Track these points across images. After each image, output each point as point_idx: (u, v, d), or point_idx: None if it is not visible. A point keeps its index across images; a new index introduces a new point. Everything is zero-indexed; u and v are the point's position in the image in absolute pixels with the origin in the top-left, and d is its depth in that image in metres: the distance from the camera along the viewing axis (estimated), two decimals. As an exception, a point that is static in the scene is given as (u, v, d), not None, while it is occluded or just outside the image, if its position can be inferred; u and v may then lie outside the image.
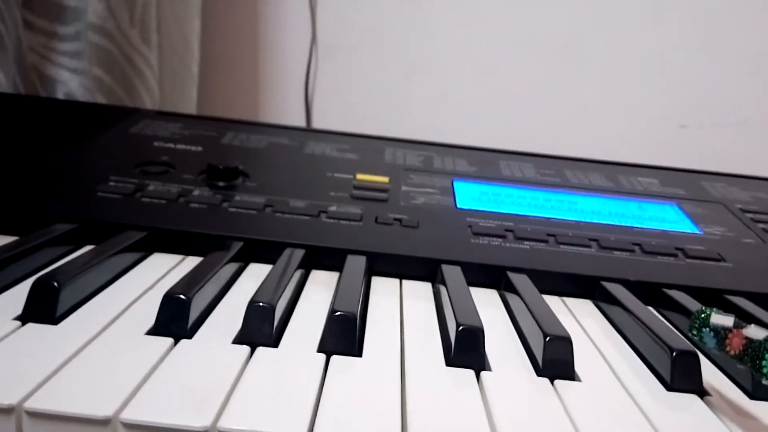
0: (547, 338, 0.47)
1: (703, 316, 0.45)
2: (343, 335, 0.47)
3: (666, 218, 0.79)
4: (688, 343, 0.49)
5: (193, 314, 0.48)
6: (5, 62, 0.99)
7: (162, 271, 0.59)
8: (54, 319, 0.47)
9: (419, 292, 0.62)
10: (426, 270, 0.65)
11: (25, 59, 1.07)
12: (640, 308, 0.58)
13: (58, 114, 0.92)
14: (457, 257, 0.65)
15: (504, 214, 0.75)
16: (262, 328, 0.47)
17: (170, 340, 0.45)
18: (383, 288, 0.62)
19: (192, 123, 0.92)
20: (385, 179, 0.80)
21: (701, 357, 0.49)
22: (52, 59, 1.13)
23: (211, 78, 1.54)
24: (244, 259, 0.64)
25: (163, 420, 0.35)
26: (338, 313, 0.47)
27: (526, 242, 0.69)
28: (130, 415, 0.36)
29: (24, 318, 0.46)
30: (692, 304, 0.61)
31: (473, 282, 0.63)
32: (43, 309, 0.47)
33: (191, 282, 0.50)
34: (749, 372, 0.43)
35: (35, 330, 0.45)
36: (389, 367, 0.45)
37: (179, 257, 0.64)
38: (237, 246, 0.62)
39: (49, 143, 0.80)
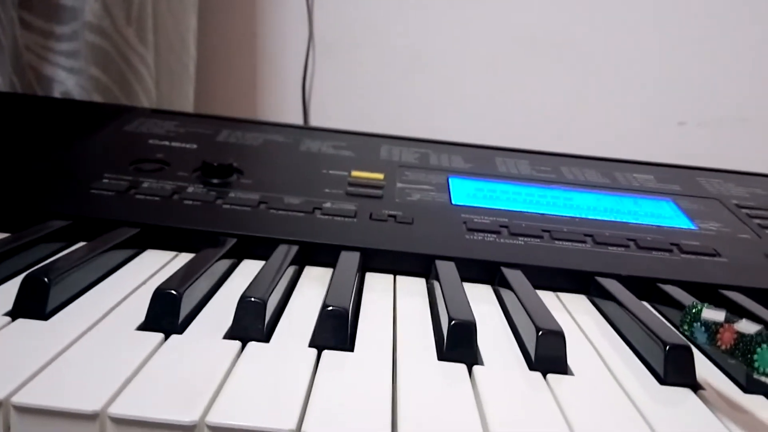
0: (540, 332, 0.47)
1: (694, 311, 0.45)
2: (335, 330, 0.47)
3: (661, 214, 0.78)
4: (682, 337, 0.49)
5: (184, 310, 0.48)
6: (2, 62, 0.99)
7: (154, 268, 0.59)
8: (44, 314, 0.47)
9: (413, 288, 0.62)
10: (420, 266, 0.65)
11: (22, 59, 1.07)
12: (634, 303, 0.57)
13: (54, 112, 0.92)
14: (451, 253, 0.65)
15: (499, 210, 0.74)
16: (253, 323, 0.46)
17: (161, 336, 0.45)
18: (377, 284, 0.62)
19: (187, 121, 0.92)
20: (380, 176, 0.80)
21: (695, 351, 0.48)
22: (49, 59, 1.13)
23: (208, 76, 1.54)
24: (238, 256, 0.64)
25: (151, 414, 0.35)
26: (330, 307, 0.47)
27: (520, 238, 0.69)
28: (118, 409, 0.35)
29: (14, 313, 0.46)
30: (687, 299, 0.61)
31: (468, 278, 0.63)
32: (33, 304, 0.47)
33: (183, 278, 0.50)
34: (742, 366, 0.43)
35: (25, 325, 0.45)
36: (381, 361, 0.45)
37: (172, 254, 0.64)
38: (230, 242, 0.62)
39: (44, 141, 0.80)
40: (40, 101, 1.01)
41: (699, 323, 0.44)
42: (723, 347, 0.42)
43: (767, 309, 0.61)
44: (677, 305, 0.60)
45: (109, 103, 1.16)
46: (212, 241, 0.62)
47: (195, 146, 0.83)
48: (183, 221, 0.65)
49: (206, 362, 0.42)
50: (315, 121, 1.57)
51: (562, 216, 0.75)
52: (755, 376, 0.39)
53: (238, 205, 0.69)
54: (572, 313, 0.60)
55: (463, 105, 1.55)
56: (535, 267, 0.65)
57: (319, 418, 0.37)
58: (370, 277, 0.64)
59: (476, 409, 0.40)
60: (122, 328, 0.46)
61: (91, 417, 0.35)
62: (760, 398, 0.47)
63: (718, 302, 0.63)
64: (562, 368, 0.47)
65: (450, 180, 0.81)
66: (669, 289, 0.63)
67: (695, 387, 0.47)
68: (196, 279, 0.51)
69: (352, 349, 0.47)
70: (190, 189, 0.71)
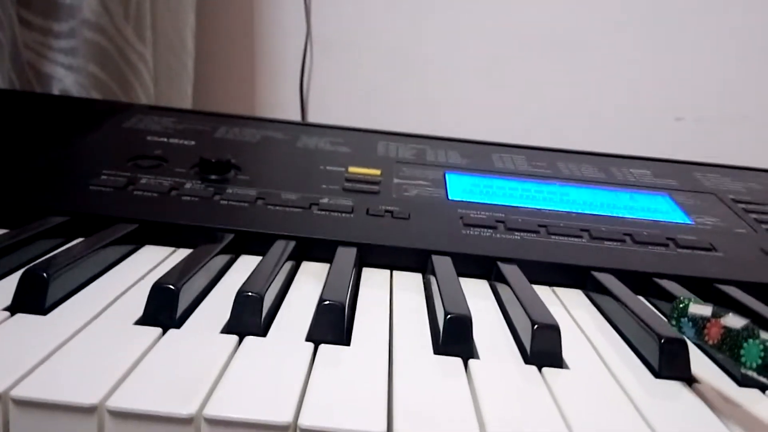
0: (535, 326, 0.48)
1: (681, 306, 0.45)
2: (332, 324, 0.47)
3: (657, 209, 0.79)
4: (677, 331, 0.49)
5: (182, 304, 0.48)
6: (1, 59, 0.99)
7: (152, 263, 0.59)
8: (43, 309, 0.47)
9: (409, 282, 0.62)
10: (417, 261, 0.65)
11: (21, 56, 1.07)
12: (629, 297, 0.58)
13: (52, 109, 0.92)
14: (447, 248, 0.65)
15: (495, 205, 0.75)
16: (250, 318, 0.47)
17: (159, 330, 0.45)
18: (374, 279, 0.62)
19: (185, 117, 0.92)
20: (377, 172, 0.80)
21: (690, 344, 0.49)
22: (47, 56, 1.13)
23: (206, 73, 1.54)
24: (236, 251, 0.64)
25: (149, 407, 0.36)
26: (327, 302, 0.47)
27: (516, 233, 0.69)
28: (116, 402, 0.36)
29: (13, 308, 0.47)
30: (682, 293, 0.61)
31: (464, 273, 0.63)
32: (32, 299, 0.47)
33: (181, 272, 0.50)
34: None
35: (24, 320, 0.45)
36: (377, 355, 0.45)
37: (170, 249, 0.64)
38: (228, 238, 0.62)
39: (42, 138, 0.80)
40: (39, 98, 1.01)
41: (686, 318, 0.44)
42: (710, 342, 0.42)
43: (763, 303, 0.61)
44: (673, 300, 0.60)
45: (108, 99, 1.17)
46: (210, 236, 0.62)
47: (193, 143, 0.83)
48: (181, 217, 0.65)
49: (204, 356, 0.42)
50: (313, 118, 1.57)
51: (558, 211, 0.75)
52: (742, 370, 0.39)
53: (235, 200, 0.69)
54: (568, 308, 0.60)
55: (460, 101, 1.55)
56: (532, 262, 0.65)
57: (316, 411, 0.37)
58: (366, 272, 0.64)
59: (472, 403, 0.40)
60: (120, 322, 0.46)
61: (89, 410, 0.35)
62: (755, 392, 0.47)
63: (714, 297, 0.64)
64: (558, 362, 0.47)
65: (447, 175, 0.82)
66: (665, 283, 0.63)
67: (690, 380, 0.47)
68: (194, 274, 0.51)
69: (348, 344, 0.47)
70: (188, 185, 0.71)
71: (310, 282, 0.59)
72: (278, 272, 0.54)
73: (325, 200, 0.71)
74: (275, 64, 1.57)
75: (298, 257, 0.64)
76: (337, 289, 0.50)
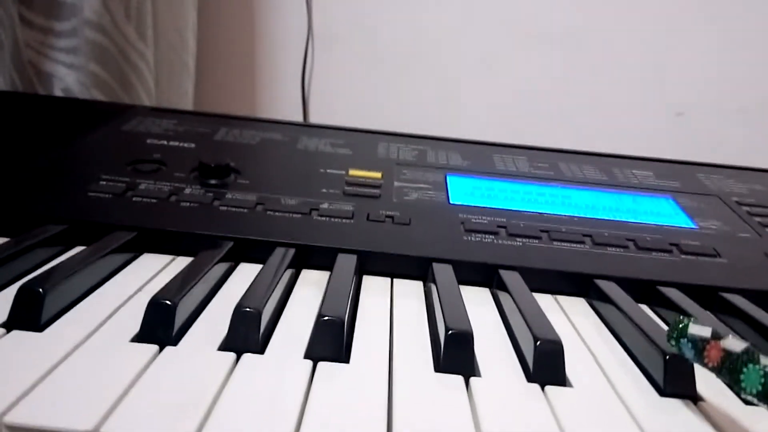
0: (538, 343, 0.47)
1: (680, 326, 0.44)
2: (330, 341, 0.46)
3: (661, 212, 0.78)
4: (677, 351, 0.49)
5: (179, 320, 0.47)
6: (2, 59, 0.99)
7: (151, 273, 0.59)
8: (39, 326, 0.46)
9: (410, 290, 0.62)
10: (418, 268, 0.65)
11: (22, 55, 1.07)
12: (633, 308, 0.57)
13: (52, 111, 0.92)
14: (448, 255, 0.65)
15: (497, 209, 0.74)
16: (248, 335, 0.46)
17: (155, 347, 0.44)
18: (374, 287, 0.62)
19: (186, 119, 0.92)
20: (378, 174, 0.80)
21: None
22: (48, 55, 1.13)
23: (208, 72, 1.54)
24: (235, 259, 0.64)
25: (145, 432, 0.35)
26: (325, 318, 0.47)
27: (518, 239, 0.69)
28: (111, 428, 0.35)
29: (9, 325, 0.46)
30: (686, 303, 0.61)
31: (465, 280, 0.63)
32: (28, 316, 0.46)
33: (178, 286, 0.50)
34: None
35: (20, 337, 0.44)
36: (377, 373, 0.45)
37: (169, 258, 0.63)
38: (227, 245, 0.62)
39: (41, 141, 0.80)
40: (38, 100, 1.01)
41: (686, 339, 0.44)
42: (710, 365, 0.41)
43: (766, 312, 0.61)
44: (677, 309, 0.60)
45: (108, 101, 1.16)
46: (209, 244, 0.62)
47: (193, 145, 0.83)
48: (180, 224, 0.65)
49: (200, 376, 0.41)
50: (314, 115, 1.57)
51: (560, 215, 0.74)
52: (742, 395, 0.39)
53: (235, 206, 0.69)
54: (570, 318, 0.60)
55: (463, 97, 1.55)
56: (534, 269, 0.64)
57: (314, 431, 0.37)
58: (367, 279, 0.63)
59: (473, 425, 0.40)
60: (117, 339, 0.46)
61: (84, 436, 0.35)
62: (761, 410, 0.47)
63: (719, 306, 0.63)
64: (561, 379, 0.47)
65: (448, 178, 0.81)
66: (668, 292, 0.63)
67: (695, 398, 0.46)
68: (192, 287, 0.50)
69: (348, 360, 0.46)
70: (187, 190, 0.71)
71: (309, 292, 0.59)
72: (277, 283, 0.53)
73: (325, 205, 0.71)
74: (277, 61, 1.57)
75: (298, 264, 0.63)
76: (335, 304, 0.49)
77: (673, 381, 0.47)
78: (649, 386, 0.48)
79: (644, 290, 0.65)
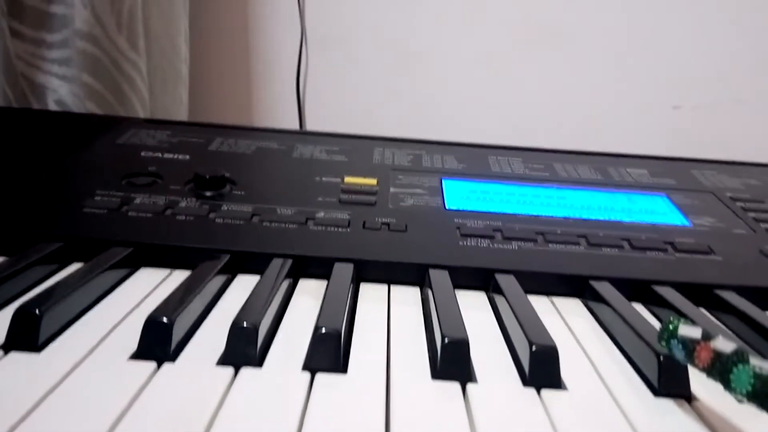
0: (533, 347, 0.47)
1: (671, 327, 0.45)
2: (328, 353, 0.47)
3: (655, 210, 0.79)
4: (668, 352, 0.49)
5: (176, 336, 0.48)
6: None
7: (148, 289, 0.59)
8: (36, 347, 0.46)
9: (407, 297, 0.62)
10: (414, 275, 0.65)
11: (15, 68, 1.07)
12: (627, 309, 0.57)
13: (45, 126, 0.92)
14: (445, 261, 0.65)
15: (492, 213, 0.74)
16: (245, 350, 0.46)
17: (153, 364, 0.45)
18: (371, 294, 0.62)
19: (180, 130, 0.92)
20: (374, 181, 0.80)
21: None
22: (41, 67, 1.13)
23: (202, 79, 1.54)
24: (233, 270, 0.64)
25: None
26: (322, 330, 0.47)
27: (514, 242, 0.69)
28: (111, 448, 0.36)
29: (6, 347, 0.46)
30: (681, 302, 0.61)
31: (462, 285, 0.63)
32: (25, 338, 0.46)
33: (175, 303, 0.50)
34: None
35: (17, 359, 0.45)
36: (374, 382, 0.45)
37: (166, 271, 0.64)
38: (224, 259, 0.62)
39: (35, 157, 0.80)
40: (31, 114, 1.01)
41: (676, 340, 0.44)
42: (701, 366, 0.42)
43: (761, 308, 0.61)
44: (671, 308, 0.60)
45: (102, 114, 1.17)
46: (206, 257, 0.62)
47: (187, 157, 0.83)
48: (176, 238, 0.65)
49: (199, 392, 0.42)
50: (310, 119, 1.57)
51: (555, 217, 0.75)
52: (732, 395, 0.39)
53: (231, 218, 0.69)
54: (566, 319, 0.60)
55: (458, 98, 1.55)
56: (529, 272, 0.65)
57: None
58: (364, 287, 0.64)
59: (470, 431, 0.40)
60: (115, 357, 0.46)
61: (84, 458, 0.35)
62: (754, 410, 0.47)
63: (713, 303, 0.64)
64: (557, 383, 0.47)
65: (443, 182, 0.82)
66: (663, 291, 0.63)
67: (689, 398, 0.47)
68: (189, 302, 0.51)
69: (345, 370, 0.47)
70: (183, 203, 0.71)
71: (307, 302, 0.59)
72: (274, 296, 0.54)
73: (321, 214, 0.71)
74: (270, 66, 1.57)
75: (295, 274, 0.64)
76: (332, 315, 0.50)
77: (668, 381, 0.47)
78: (644, 387, 0.48)
79: (639, 289, 0.65)
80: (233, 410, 0.40)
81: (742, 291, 0.65)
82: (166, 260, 0.64)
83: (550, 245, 0.69)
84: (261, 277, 0.59)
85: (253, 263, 0.64)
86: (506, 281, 0.62)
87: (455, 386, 0.46)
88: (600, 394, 0.47)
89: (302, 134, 0.96)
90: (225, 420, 0.39)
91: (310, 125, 1.57)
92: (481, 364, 0.50)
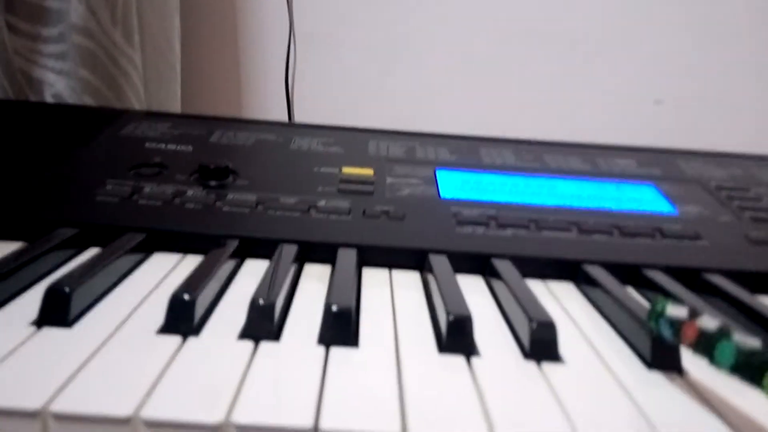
0: (532, 323, 0.50)
1: (658, 308, 0.48)
2: (340, 328, 0.49)
3: (643, 199, 0.81)
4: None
5: (198, 312, 0.50)
6: (-7, 66, 1.01)
7: (164, 271, 0.62)
8: (68, 322, 0.49)
9: (408, 281, 0.65)
10: (414, 260, 0.68)
11: (12, 62, 1.09)
12: (619, 289, 0.60)
13: (49, 118, 0.94)
14: (443, 247, 0.68)
15: (486, 202, 0.77)
16: (264, 325, 0.49)
17: (179, 338, 0.48)
18: (374, 279, 0.65)
19: (180, 122, 0.94)
20: (370, 171, 0.82)
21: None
22: (37, 61, 1.15)
23: (192, 74, 1.55)
24: (241, 256, 0.66)
25: (179, 416, 0.38)
26: (334, 306, 0.50)
27: (508, 229, 0.72)
28: (148, 413, 0.38)
29: (39, 322, 0.49)
30: (670, 284, 0.64)
31: (460, 269, 0.66)
32: (57, 314, 0.49)
33: (195, 282, 0.53)
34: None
35: (51, 334, 0.47)
36: (385, 356, 0.48)
37: (179, 256, 0.66)
38: (233, 244, 0.65)
39: (44, 148, 0.82)
40: (35, 107, 1.03)
41: (664, 319, 0.47)
42: (686, 343, 0.45)
43: (749, 291, 0.64)
44: (661, 291, 0.63)
45: (101, 106, 1.18)
46: (215, 243, 0.65)
47: (190, 148, 0.85)
48: (186, 225, 0.68)
49: (224, 363, 0.44)
50: (299, 114, 1.59)
51: (546, 206, 0.77)
52: (717, 369, 0.42)
53: (236, 206, 0.71)
54: (561, 301, 0.63)
55: (445, 93, 1.57)
56: (524, 257, 0.68)
57: (333, 412, 0.40)
58: (366, 272, 0.66)
59: (478, 400, 0.43)
60: (143, 332, 0.49)
61: (124, 421, 0.38)
62: (739, 382, 0.50)
63: (701, 286, 0.66)
64: (555, 356, 0.50)
65: (437, 173, 0.84)
66: (653, 274, 0.66)
67: (681, 370, 0.50)
68: (207, 282, 0.53)
69: (356, 345, 0.50)
70: (190, 192, 0.73)
71: (314, 284, 0.62)
72: (285, 277, 0.56)
73: (322, 203, 0.73)
74: (260, 61, 1.59)
75: (300, 259, 0.66)
76: (342, 293, 0.53)
77: (659, 356, 0.50)
78: (638, 361, 0.51)
79: (630, 274, 0.68)
80: (257, 380, 0.43)
81: (729, 274, 0.68)
82: (178, 246, 0.67)
83: (543, 232, 0.72)
84: (271, 260, 0.61)
85: (261, 249, 0.66)
86: (503, 265, 0.65)
87: (461, 359, 0.48)
88: (596, 367, 0.49)
89: (299, 127, 0.98)
90: (250, 389, 0.42)
91: (299, 119, 1.58)
92: (482, 341, 0.52)
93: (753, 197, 0.85)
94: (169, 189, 0.73)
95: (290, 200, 0.73)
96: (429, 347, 0.50)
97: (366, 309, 0.57)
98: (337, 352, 0.48)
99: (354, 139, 0.93)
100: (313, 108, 1.59)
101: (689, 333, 0.45)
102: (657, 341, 0.50)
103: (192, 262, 0.64)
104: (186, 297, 0.50)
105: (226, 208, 0.71)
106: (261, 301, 0.50)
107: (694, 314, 0.45)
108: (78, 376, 0.42)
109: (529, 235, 0.71)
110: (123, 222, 0.67)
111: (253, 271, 0.63)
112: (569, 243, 0.70)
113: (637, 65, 1.55)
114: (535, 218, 0.74)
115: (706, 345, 0.43)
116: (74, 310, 0.50)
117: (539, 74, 1.56)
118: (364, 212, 0.73)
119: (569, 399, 0.44)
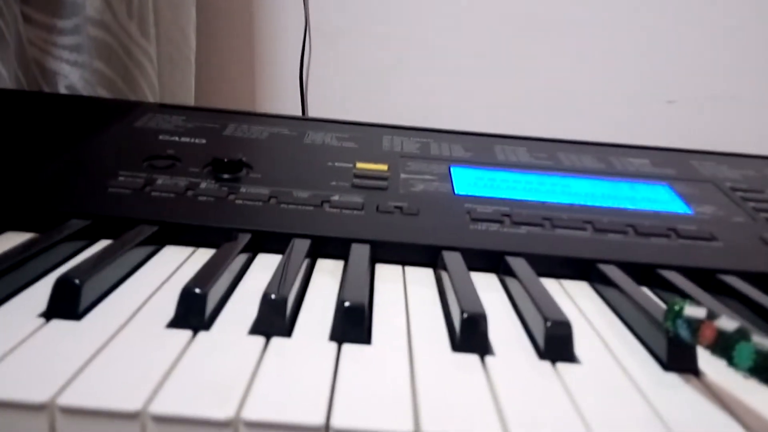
0: (548, 322, 0.50)
1: (676, 308, 0.47)
2: (353, 324, 0.49)
3: (658, 199, 0.81)
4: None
5: (210, 306, 0.50)
6: (7, 57, 1.00)
7: (176, 264, 0.62)
8: (77, 315, 0.49)
9: (422, 277, 0.64)
10: (427, 256, 0.67)
11: (26, 53, 1.09)
12: (635, 289, 0.60)
13: (63, 109, 0.93)
14: (456, 243, 0.67)
15: (500, 199, 0.76)
16: (275, 320, 0.49)
17: (189, 333, 0.47)
18: (387, 275, 0.64)
19: (194, 115, 0.94)
20: (384, 167, 0.82)
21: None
22: (52, 53, 1.14)
23: (207, 66, 1.55)
24: (253, 250, 0.66)
25: (189, 412, 0.38)
26: (347, 302, 0.49)
27: (522, 227, 0.71)
28: (158, 407, 0.38)
29: (48, 314, 0.49)
30: (685, 285, 0.63)
31: (473, 267, 0.65)
32: (66, 306, 0.49)
33: (206, 275, 0.52)
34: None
35: (60, 326, 0.47)
36: (398, 353, 0.47)
37: (191, 249, 0.66)
38: (246, 238, 0.64)
39: (57, 139, 0.81)
40: (48, 98, 1.03)
41: (682, 320, 0.46)
42: (704, 343, 0.44)
43: (763, 292, 0.63)
44: (676, 291, 0.62)
45: (118, 98, 1.18)
46: (228, 236, 0.64)
47: (204, 141, 0.85)
48: (199, 218, 0.67)
49: (235, 359, 0.44)
50: (313, 108, 1.59)
51: (561, 204, 0.77)
52: (735, 371, 0.41)
53: (249, 200, 0.71)
54: (575, 300, 0.62)
55: (461, 89, 1.57)
56: (538, 255, 0.67)
57: (345, 410, 0.39)
58: (380, 267, 0.66)
59: (491, 399, 0.42)
60: (152, 325, 0.48)
61: (133, 416, 0.37)
62: (757, 384, 0.49)
63: (716, 287, 0.66)
64: (570, 356, 0.49)
65: (452, 169, 0.84)
66: (668, 274, 0.65)
67: (697, 372, 0.49)
68: (219, 276, 0.53)
69: (369, 342, 0.49)
70: (203, 185, 0.73)
71: (327, 279, 0.61)
72: (298, 272, 0.56)
73: (336, 197, 0.73)
74: (274, 55, 1.59)
75: (313, 254, 0.66)
76: (355, 289, 0.52)
77: (676, 357, 0.50)
78: (653, 362, 0.51)
79: (644, 273, 0.67)
80: (268, 376, 0.42)
81: (744, 276, 0.67)
82: (190, 239, 0.67)
83: (557, 230, 0.71)
84: (284, 254, 0.61)
85: (273, 243, 0.66)
86: (517, 263, 0.64)
87: (475, 358, 0.48)
88: (612, 368, 0.49)
89: (312, 121, 0.97)
90: (261, 385, 0.41)
91: (313, 114, 1.58)
92: (497, 340, 0.52)
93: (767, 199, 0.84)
94: (182, 181, 0.73)
95: (303, 194, 0.73)
96: (442, 345, 0.50)
97: (379, 305, 0.56)
98: (349, 348, 0.47)
99: (368, 135, 0.93)
100: (327, 102, 1.59)
101: (707, 334, 0.44)
102: (673, 342, 0.50)
103: (204, 255, 0.64)
104: (197, 290, 0.49)
105: (239, 202, 0.71)
106: (273, 296, 0.49)
107: (712, 315, 0.45)
108: (86, 369, 0.41)
109: (543, 233, 0.71)
110: (135, 214, 0.67)
111: (266, 266, 0.63)
112: (583, 241, 0.70)
113: (650, 65, 1.55)
114: (549, 216, 0.73)
115: (724, 346, 0.42)
116: (84, 302, 0.50)
117: (553, 72, 1.56)
118: (377, 207, 0.72)
119: (584, 400, 0.43)
